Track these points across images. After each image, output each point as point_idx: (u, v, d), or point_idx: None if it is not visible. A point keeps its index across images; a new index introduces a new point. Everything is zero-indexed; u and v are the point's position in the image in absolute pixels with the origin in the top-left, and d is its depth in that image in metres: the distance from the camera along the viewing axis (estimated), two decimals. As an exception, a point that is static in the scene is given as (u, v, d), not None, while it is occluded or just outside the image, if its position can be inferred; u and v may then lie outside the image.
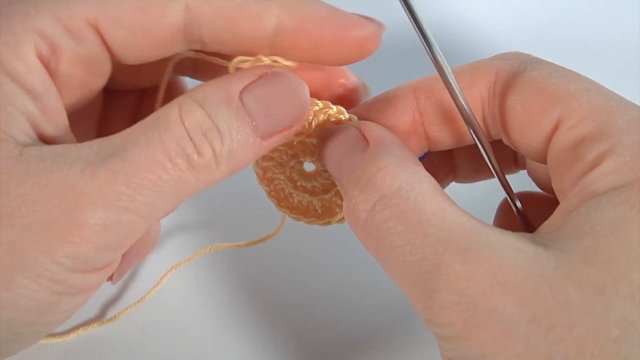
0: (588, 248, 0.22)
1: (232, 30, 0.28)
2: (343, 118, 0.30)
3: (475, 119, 0.27)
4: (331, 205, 0.32)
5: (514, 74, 0.28)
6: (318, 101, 0.30)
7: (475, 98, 0.28)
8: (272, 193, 0.32)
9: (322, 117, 0.30)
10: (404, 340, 0.38)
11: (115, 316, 0.38)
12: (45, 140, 0.27)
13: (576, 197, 0.24)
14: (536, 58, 0.28)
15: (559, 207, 0.25)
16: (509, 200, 0.29)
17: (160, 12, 0.27)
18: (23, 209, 0.24)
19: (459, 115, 0.27)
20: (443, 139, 0.30)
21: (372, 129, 0.28)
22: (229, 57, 0.30)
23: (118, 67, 0.31)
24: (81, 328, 0.37)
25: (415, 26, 0.25)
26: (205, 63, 0.33)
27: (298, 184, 0.31)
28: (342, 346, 0.38)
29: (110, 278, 0.34)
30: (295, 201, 0.32)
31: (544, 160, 0.27)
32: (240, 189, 0.39)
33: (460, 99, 0.26)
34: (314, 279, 0.41)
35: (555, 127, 0.26)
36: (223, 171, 0.27)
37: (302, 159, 0.31)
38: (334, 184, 0.31)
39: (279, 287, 0.40)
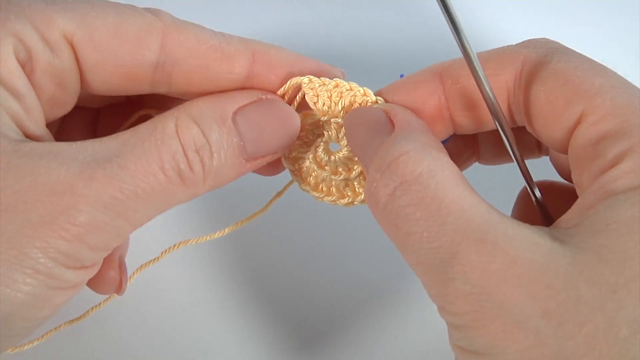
0: (603, 246, 0.22)
1: (204, 71, 0.29)
2: (369, 100, 0.31)
3: (500, 107, 0.27)
4: (354, 185, 0.32)
5: (540, 63, 0.27)
6: (346, 82, 0.30)
7: (501, 85, 0.28)
8: (295, 172, 0.33)
9: (349, 98, 0.31)
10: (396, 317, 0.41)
11: (83, 315, 0.38)
12: (30, 138, 0.27)
13: (594, 194, 0.24)
14: (564, 47, 0.28)
15: (576, 203, 0.25)
16: (529, 190, 0.29)
17: (136, 43, 0.28)
18: (21, 205, 0.25)
19: (484, 103, 0.27)
20: (467, 124, 0.30)
21: (399, 113, 0.28)
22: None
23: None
24: (52, 329, 0.37)
25: (445, 11, 0.25)
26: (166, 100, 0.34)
27: (322, 163, 0.32)
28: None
29: (118, 290, 0.35)
30: (319, 180, 0.33)
31: (565, 152, 0.27)
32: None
33: (485, 86, 0.26)
34: (284, 271, 0.42)
35: (578, 122, 0.26)
36: (207, 187, 0.29)
37: (327, 139, 0.32)
38: (357, 164, 0.32)
39: (252, 278, 0.42)
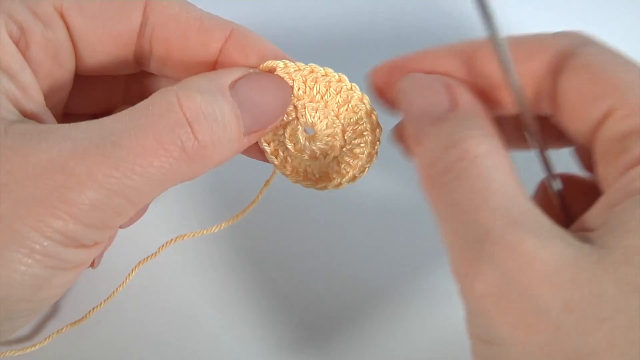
0: (629, 247, 0.22)
1: (182, 39, 0.30)
2: (345, 87, 0.31)
3: (523, 94, 0.27)
4: (328, 170, 0.33)
5: (572, 55, 0.27)
6: (321, 68, 0.31)
7: (530, 72, 0.28)
8: (272, 153, 0.33)
9: (323, 83, 0.31)
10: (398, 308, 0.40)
11: (85, 316, 0.37)
12: (28, 117, 0.27)
13: (620, 192, 0.24)
14: (596, 41, 0.28)
15: (601, 199, 0.25)
16: (548, 182, 0.29)
17: (122, 6, 0.29)
18: (11, 184, 0.25)
19: (504, 85, 0.27)
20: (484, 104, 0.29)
21: (463, 93, 0.28)
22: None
23: (74, 85, 0.32)
24: (55, 332, 0.37)
25: None
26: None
27: (297, 146, 0.32)
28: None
29: (91, 264, 0.34)
30: (295, 163, 0.33)
31: (590, 145, 0.27)
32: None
33: (511, 71, 0.26)
34: (285, 266, 0.42)
35: (606, 115, 0.26)
36: (214, 161, 0.28)
37: (302, 123, 0.32)
38: (332, 149, 0.32)
39: (252, 272, 0.41)
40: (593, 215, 0.25)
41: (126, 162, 0.25)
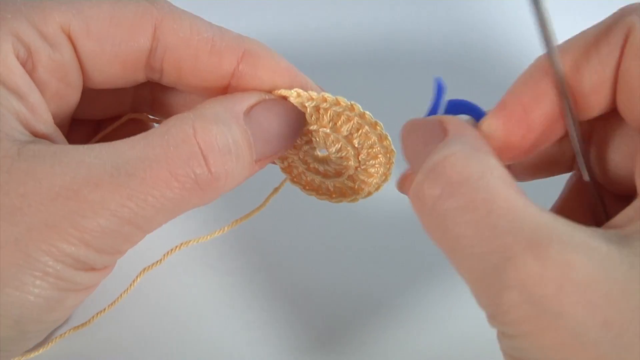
0: None
1: (193, 62, 0.29)
2: (356, 114, 0.31)
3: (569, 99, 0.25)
4: (343, 187, 0.33)
5: (631, 33, 0.25)
6: (332, 97, 0.31)
7: (609, 61, 0.25)
8: (286, 169, 0.33)
9: (335, 112, 0.31)
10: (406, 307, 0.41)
11: (89, 320, 0.38)
12: (38, 137, 0.27)
13: None
14: None
15: (635, 201, 0.24)
16: (586, 178, 0.27)
17: (131, 30, 0.29)
18: (25, 208, 0.25)
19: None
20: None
21: (452, 120, 0.27)
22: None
23: (82, 93, 0.31)
24: (58, 336, 0.37)
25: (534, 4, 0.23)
26: (163, 100, 0.35)
27: (311, 166, 0.33)
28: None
29: None
30: (308, 179, 0.33)
31: None
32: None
33: (559, 71, 0.25)
34: (291, 270, 0.42)
35: None
36: (225, 190, 0.28)
37: (315, 145, 0.32)
38: (346, 169, 0.32)
39: (257, 278, 0.41)
40: (624, 218, 0.23)
41: (139, 193, 0.26)
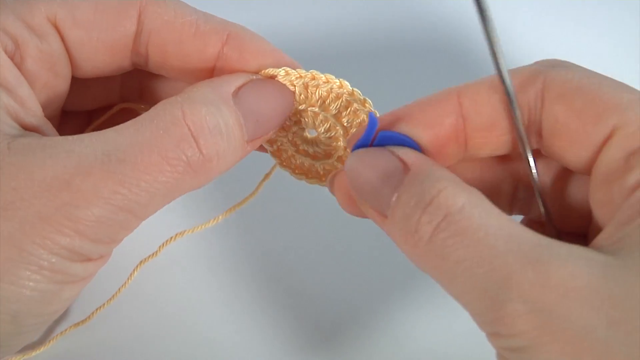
0: None
1: (177, 46, 0.29)
2: (346, 92, 0.31)
3: (523, 126, 0.27)
4: (332, 169, 0.33)
5: (563, 81, 0.27)
6: (322, 75, 0.31)
7: (523, 105, 0.27)
8: (275, 153, 0.33)
9: (325, 89, 0.31)
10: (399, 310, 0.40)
11: (88, 317, 0.38)
12: (28, 130, 0.27)
13: (632, 209, 0.24)
14: (579, 66, 0.28)
15: (612, 220, 0.25)
16: (545, 218, 0.29)
17: (116, 15, 0.29)
18: (18, 202, 0.25)
19: (503, 123, 0.27)
20: (483, 146, 0.29)
21: (407, 153, 0.27)
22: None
23: (71, 85, 0.31)
24: (58, 334, 0.37)
25: (483, 25, 0.24)
26: (151, 89, 0.34)
27: (300, 148, 0.33)
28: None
29: None
30: (298, 162, 0.33)
31: (588, 171, 0.27)
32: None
33: (514, 100, 0.26)
34: (288, 262, 0.42)
35: (609, 136, 0.26)
36: (218, 171, 0.28)
37: (304, 126, 0.32)
38: (335, 149, 0.32)
39: (255, 270, 0.41)
40: (606, 236, 0.24)
41: (132, 179, 0.25)
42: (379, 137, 0.28)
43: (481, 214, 0.24)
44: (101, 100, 0.36)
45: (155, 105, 0.27)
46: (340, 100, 0.31)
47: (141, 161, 0.25)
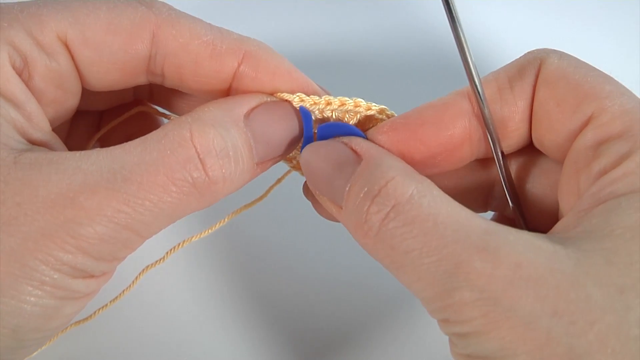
0: (608, 249, 0.22)
1: (193, 67, 0.29)
2: (362, 110, 0.30)
3: (493, 125, 0.27)
4: None
5: (549, 69, 0.27)
6: (335, 99, 0.30)
7: (521, 94, 0.28)
8: (287, 158, 0.33)
9: (340, 113, 0.30)
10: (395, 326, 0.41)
11: (90, 316, 0.38)
12: (35, 145, 0.27)
13: (592, 198, 0.24)
14: (570, 55, 0.28)
15: (573, 208, 0.25)
16: (515, 212, 0.29)
17: (128, 37, 0.28)
18: (21, 217, 0.25)
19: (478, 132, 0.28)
20: (485, 147, 0.29)
21: (360, 143, 0.27)
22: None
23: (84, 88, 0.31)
24: (59, 331, 0.37)
25: (454, 30, 0.25)
26: (162, 91, 0.34)
27: None
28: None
29: None
30: None
31: (562, 159, 0.27)
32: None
33: (484, 106, 0.26)
34: (290, 269, 0.42)
35: (585, 124, 0.26)
36: (224, 193, 0.28)
37: None
38: None
39: (257, 275, 0.41)
40: (564, 224, 0.25)
41: (136, 198, 0.25)
42: (319, 130, 0.28)
43: (430, 202, 0.24)
44: (114, 101, 0.36)
45: (164, 125, 0.27)
46: (357, 116, 0.31)
47: (147, 181, 0.25)
